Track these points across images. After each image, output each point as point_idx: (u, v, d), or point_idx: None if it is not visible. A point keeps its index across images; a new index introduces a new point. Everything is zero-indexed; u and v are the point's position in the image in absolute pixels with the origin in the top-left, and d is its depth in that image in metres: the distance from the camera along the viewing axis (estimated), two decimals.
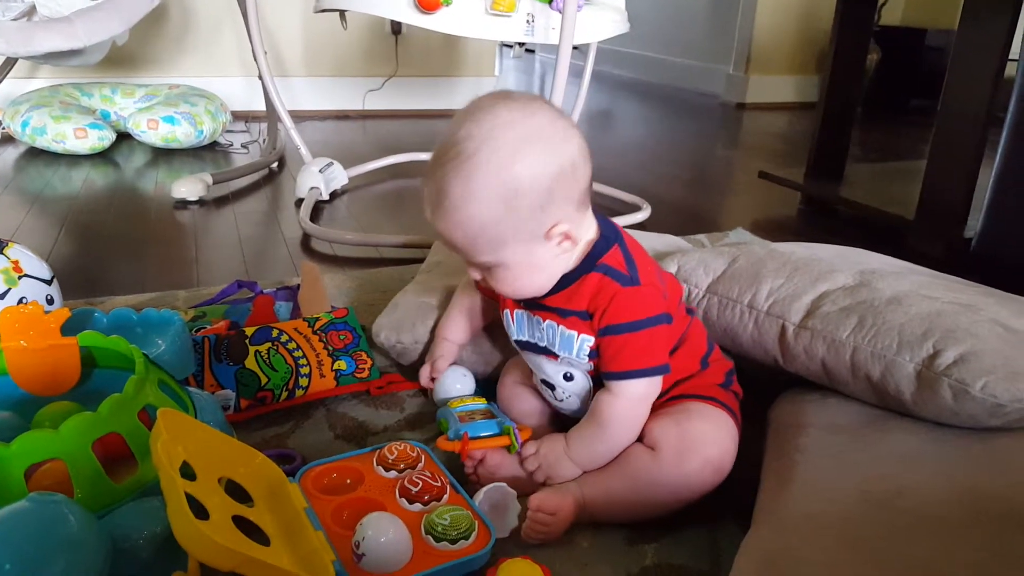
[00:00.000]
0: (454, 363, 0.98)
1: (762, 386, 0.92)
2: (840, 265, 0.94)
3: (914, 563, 0.59)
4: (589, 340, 0.78)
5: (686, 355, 0.83)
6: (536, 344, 0.83)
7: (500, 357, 1.01)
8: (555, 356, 0.82)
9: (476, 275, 0.80)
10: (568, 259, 0.78)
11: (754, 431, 0.86)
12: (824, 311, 0.86)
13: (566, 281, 0.78)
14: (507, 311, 0.86)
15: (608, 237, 0.79)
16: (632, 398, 0.78)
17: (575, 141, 0.74)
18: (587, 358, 0.79)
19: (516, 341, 0.86)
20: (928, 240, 1.66)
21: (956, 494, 0.65)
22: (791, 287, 0.91)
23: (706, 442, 0.77)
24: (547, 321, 0.81)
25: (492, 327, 1.00)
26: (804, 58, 3.82)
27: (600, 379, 0.80)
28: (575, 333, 0.79)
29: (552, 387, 0.85)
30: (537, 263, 0.76)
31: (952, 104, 1.64)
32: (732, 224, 1.85)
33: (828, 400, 0.85)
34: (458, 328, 0.98)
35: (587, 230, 0.78)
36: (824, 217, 2.02)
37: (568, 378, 0.83)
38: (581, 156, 0.74)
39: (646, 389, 0.78)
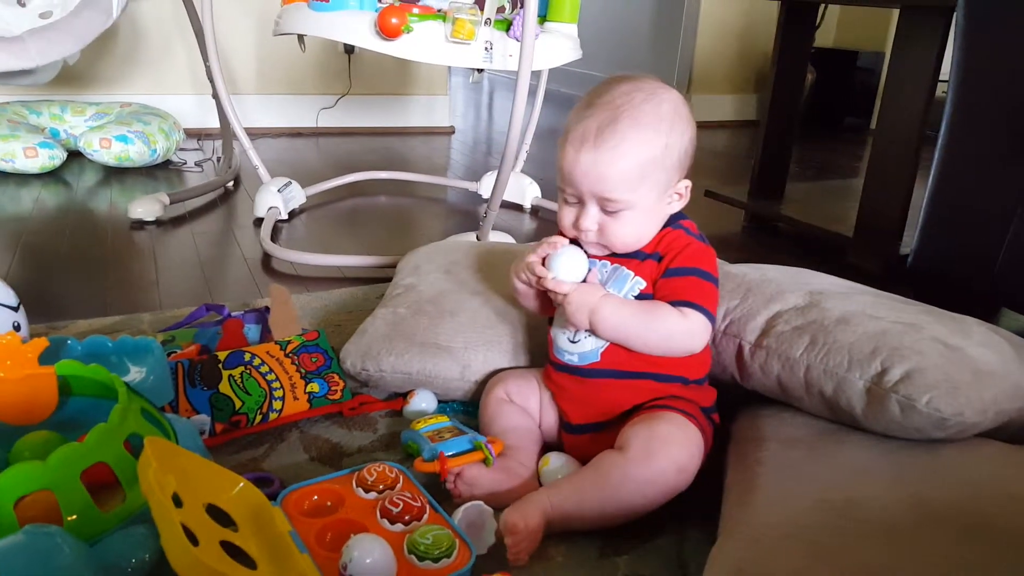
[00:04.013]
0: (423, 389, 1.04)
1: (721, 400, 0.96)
2: (790, 286, 1.00)
3: (872, 569, 0.63)
4: (641, 284, 0.86)
5: (699, 360, 0.90)
6: (584, 280, 0.88)
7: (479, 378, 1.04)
8: None
9: (591, 224, 0.85)
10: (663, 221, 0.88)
11: (716, 444, 0.90)
12: (778, 331, 0.91)
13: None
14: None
15: (682, 215, 0.91)
16: (693, 327, 0.84)
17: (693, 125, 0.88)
18: (631, 299, 0.86)
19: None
20: (866, 256, 1.74)
21: (908, 503, 0.70)
22: (746, 307, 0.96)
23: (673, 442, 0.81)
24: (603, 260, 0.89)
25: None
26: (743, 78, 3.95)
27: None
28: (631, 273, 0.87)
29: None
30: (655, 212, 0.86)
31: (887, 125, 1.73)
32: None
33: (784, 415, 0.90)
34: None
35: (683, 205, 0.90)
36: (767, 234, 2.10)
37: None
38: (694, 130, 0.88)
39: (704, 326, 0.85)
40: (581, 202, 0.85)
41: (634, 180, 0.82)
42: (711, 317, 0.85)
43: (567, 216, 0.87)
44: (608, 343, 0.88)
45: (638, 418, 0.85)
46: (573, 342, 0.90)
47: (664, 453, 0.80)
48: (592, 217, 0.85)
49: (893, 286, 1.13)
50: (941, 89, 1.55)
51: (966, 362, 0.82)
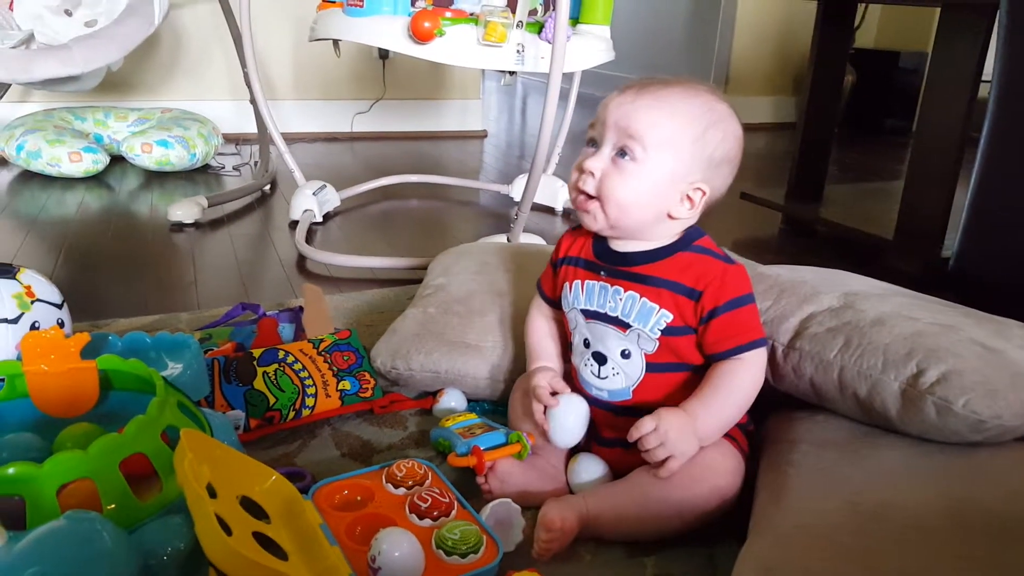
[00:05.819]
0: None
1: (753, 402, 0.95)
2: (824, 287, 0.98)
3: (903, 573, 0.62)
4: (667, 316, 0.82)
5: None
6: (606, 314, 0.86)
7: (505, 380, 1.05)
8: (624, 328, 0.84)
9: (596, 164, 0.82)
10: (669, 228, 0.84)
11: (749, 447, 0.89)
12: (811, 332, 0.90)
13: (659, 254, 0.84)
14: (576, 282, 0.89)
15: (699, 229, 0.87)
16: (759, 367, 0.83)
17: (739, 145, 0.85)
18: (659, 332, 0.83)
19: (582, 311, 0.88)
20: (906, 259, 1.71)
21: (941, 506, 0.69)
22: (779, 309, 0.95)
23: (717, 471, 0.80)
24: (628, 292, 0.84)
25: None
26: (781, 79, 3.91)
27: (654, 368, 0.84)
28: (656, 307, 0.82)
29: (604, 360, 0.86)
30: (659, 194, 0.82)
31: (928, 126, 1.70)
32: None
33: (817, 417, 0.89)
34: (552, 353, 0.96)
35: (693, 218, 0.86)
36: (805, 237, 2.08)
37: (626, 355, 0.85)
38: (738, 161, 0.86)
39: (763, 360, 0.84)
40: (599, 147, 0.83)
41: (663, 132, 0.80)
42: (764, 342, 0.83)
43: (576, 164, 0.85)
44: (640, 379, 0.85)
45: None
46: (600, 377, 0.88)
47: (708, 481, 0.79)
48: (601, 159, 0.82)
49: (934, 290, 1.11)
50: (984, 90, 1.53)
51: (1005, 364, 0.80)
